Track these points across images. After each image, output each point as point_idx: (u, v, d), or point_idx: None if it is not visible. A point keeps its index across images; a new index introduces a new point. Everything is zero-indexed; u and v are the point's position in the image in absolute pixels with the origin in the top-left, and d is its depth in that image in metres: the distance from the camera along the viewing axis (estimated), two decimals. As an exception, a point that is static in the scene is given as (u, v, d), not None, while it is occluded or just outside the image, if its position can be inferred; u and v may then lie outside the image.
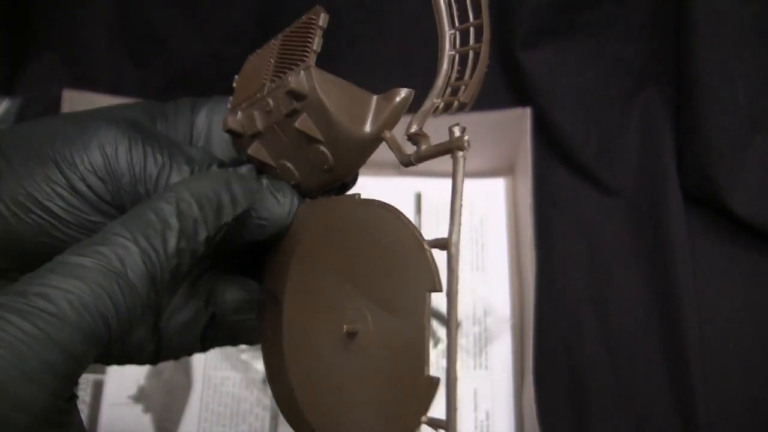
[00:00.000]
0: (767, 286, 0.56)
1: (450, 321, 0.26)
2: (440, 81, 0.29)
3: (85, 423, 0.30)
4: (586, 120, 0.60)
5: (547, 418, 0.48)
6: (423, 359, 0.27)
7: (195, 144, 0.32)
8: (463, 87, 0.29)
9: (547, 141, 0.60)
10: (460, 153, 0.27)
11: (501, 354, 0.55)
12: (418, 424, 0.26)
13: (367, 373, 0.27)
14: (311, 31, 0.29)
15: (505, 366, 0.55)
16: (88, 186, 0.28)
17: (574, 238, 0.58)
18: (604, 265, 0.57)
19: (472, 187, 0.61)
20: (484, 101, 0.60)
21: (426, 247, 0.27)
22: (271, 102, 0.30)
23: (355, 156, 0.30)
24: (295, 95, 0.28)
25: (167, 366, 0.55)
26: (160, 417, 0.53)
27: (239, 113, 0.31)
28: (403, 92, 0.29)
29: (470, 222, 0.60)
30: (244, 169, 0.31)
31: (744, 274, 0.56)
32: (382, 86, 0.59)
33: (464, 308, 0.56)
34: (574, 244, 0.58)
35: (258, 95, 0.31)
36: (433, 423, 0.26)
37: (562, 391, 0.53)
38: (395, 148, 0.30)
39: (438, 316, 0.56)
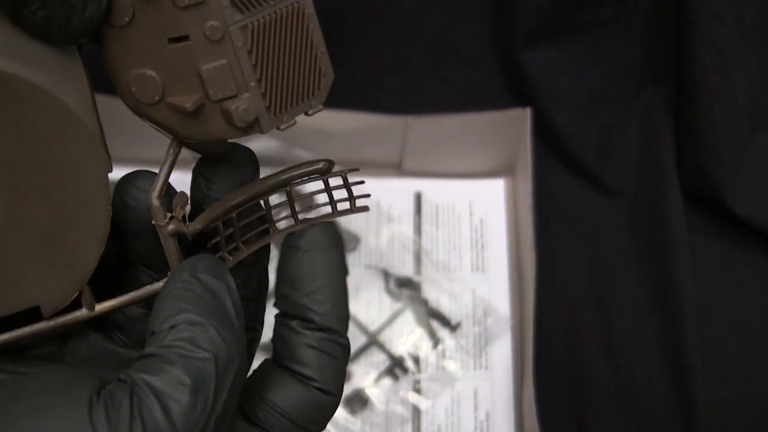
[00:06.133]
0: (767, 286, 0.56)
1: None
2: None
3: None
4: (586, 120, 0.60)
5: (547, 418, 0.48)
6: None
7: None
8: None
9: (547, 141, 0.60)
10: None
11: (501, 354, 0.55)
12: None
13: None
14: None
15: (505, 366, 0.55)
16: None
17: (574, 238, 0.58)
18: (604, 265, 0.57)
19: (472, 187, 0.61)
20: (484, 101, 0.61)
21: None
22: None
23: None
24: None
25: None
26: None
27: None
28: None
29: (470, 222, 0.60)
30: None
31: (744, 274, 0.56)
32: (382, 87, 0.59)
33: (464, 308, 0.56)
34: (574, 244, 0.58)
35: None
36: None
37: (562, 391, 0.53)
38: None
39: (438, 316, 0.56)
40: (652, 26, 0.59)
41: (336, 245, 0.29)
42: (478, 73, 0.62)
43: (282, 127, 0.26)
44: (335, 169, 0.28)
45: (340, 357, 0.29)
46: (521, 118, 0.57)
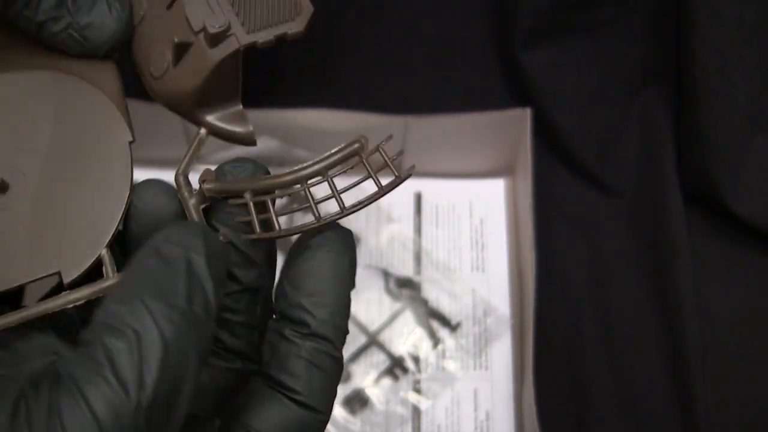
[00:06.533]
0: (767, 286, 0.56)
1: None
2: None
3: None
4: (586, 120, 0.60)
5: (547, 418, 0.48)
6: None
7: None
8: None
9: (547, 141, 0.60)
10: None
11: (501, 354, 0.55)
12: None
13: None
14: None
15: (505, 366, 0.55)
16: None
17: (574, 238, 0.58)
18: (604, 265, 0.57)
19: (472, 187, 0.61)
20: (484, 101, 0.61)
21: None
22: None
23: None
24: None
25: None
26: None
27: None
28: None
29: (470, 222, 0.60)
30: None
31: (744, 274, 0.56)
32: (382, 86, 0.60)
33: (464, 308, 0.56)
34: (574, 245, 0.58)
35: None
36: None
37: (562, 391, 0.53)
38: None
39: (438, 316, 0.56)
40: (652, 26, 0.59)
41: (348, 252, 0.27)
42: (478, 73, 0.62)
43: (260, 43, 0.28)
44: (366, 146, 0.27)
45: (331, 372, 0.27)
46: (521, 118, 0.57)
